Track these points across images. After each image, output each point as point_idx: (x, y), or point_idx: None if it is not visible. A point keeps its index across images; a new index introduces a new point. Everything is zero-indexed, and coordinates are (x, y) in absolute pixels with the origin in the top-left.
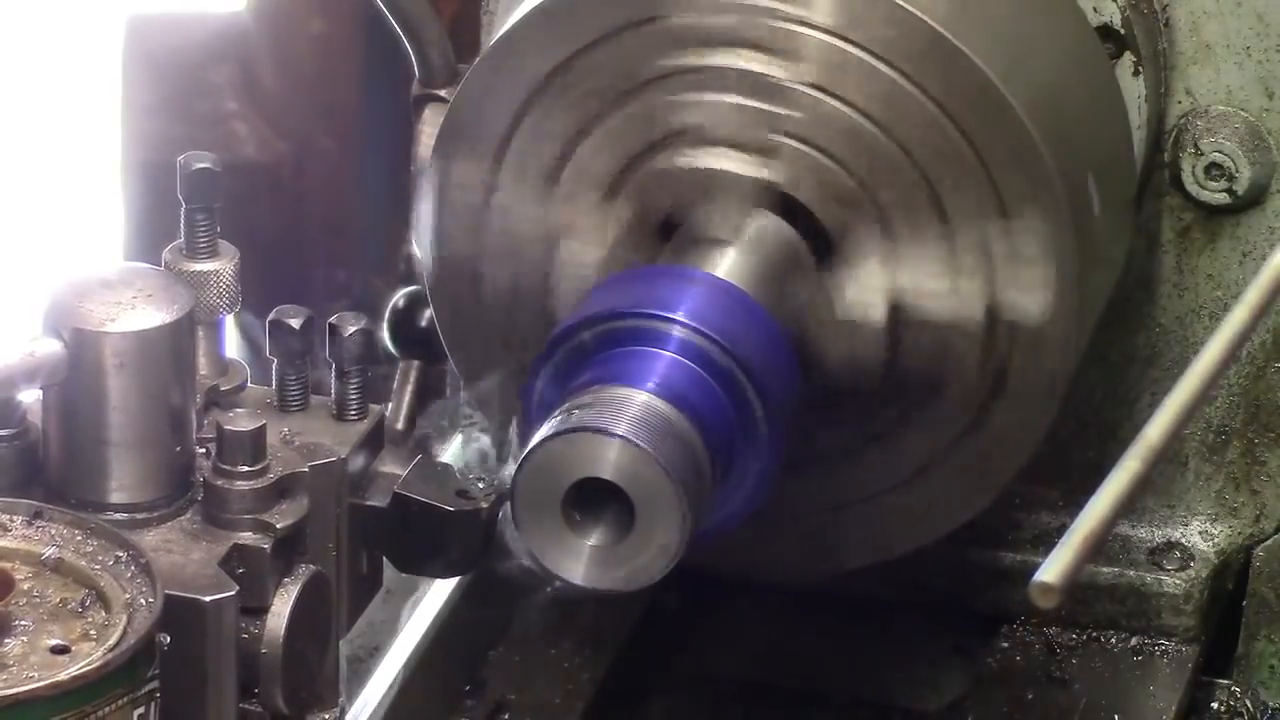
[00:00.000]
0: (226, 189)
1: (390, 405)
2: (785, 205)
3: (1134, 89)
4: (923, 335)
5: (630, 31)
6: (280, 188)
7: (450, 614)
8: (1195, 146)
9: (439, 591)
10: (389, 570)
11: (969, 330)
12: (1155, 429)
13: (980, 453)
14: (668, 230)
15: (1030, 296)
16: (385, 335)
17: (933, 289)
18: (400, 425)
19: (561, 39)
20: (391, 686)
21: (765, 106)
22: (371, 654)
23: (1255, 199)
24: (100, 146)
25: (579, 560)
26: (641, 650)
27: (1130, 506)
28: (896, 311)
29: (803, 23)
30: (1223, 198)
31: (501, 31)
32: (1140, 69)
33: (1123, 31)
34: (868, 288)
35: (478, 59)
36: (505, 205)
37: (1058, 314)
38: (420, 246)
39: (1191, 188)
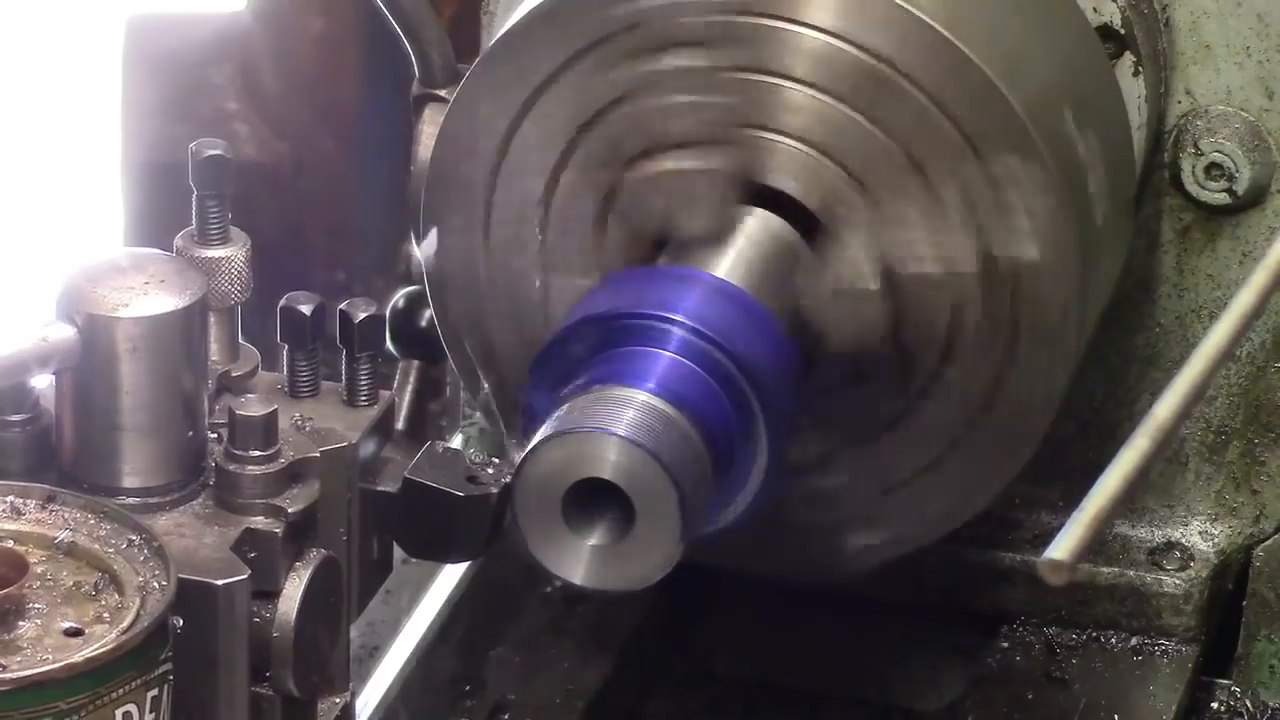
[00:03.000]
0: None
1: None
2: (771, 198)
3: (1134, 89)
4: (922, 298)
5: (604, 43)
6: (280, 188)
7: (450, 614)
8: (1195, 146)
9: (439, 591)
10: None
11: (968, 285)
12: (1164, 408)
13: (980, 451)
14: (660, 248)
15: (1025, 246)
16: (385, 335)
17: (924, 250)
18: (400, 425)
19: (546, 52)
20: (392, 685)
21: (738, 102)
22: (372, 653)
23: (1255, 199)
24: (100, 146)
25: (579, 560)
26: (641, 650)
27: (1139, 486)
28: (892, 278)
29: (786, 19)
30: (1223, 198)
31: (493, 42)
32: (1140, 69)
33: (1123, 31)
34: (861, 262)
35: (469, 71)
36: (500, 238)
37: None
38: (422, 258)
39: (1191, 188)
